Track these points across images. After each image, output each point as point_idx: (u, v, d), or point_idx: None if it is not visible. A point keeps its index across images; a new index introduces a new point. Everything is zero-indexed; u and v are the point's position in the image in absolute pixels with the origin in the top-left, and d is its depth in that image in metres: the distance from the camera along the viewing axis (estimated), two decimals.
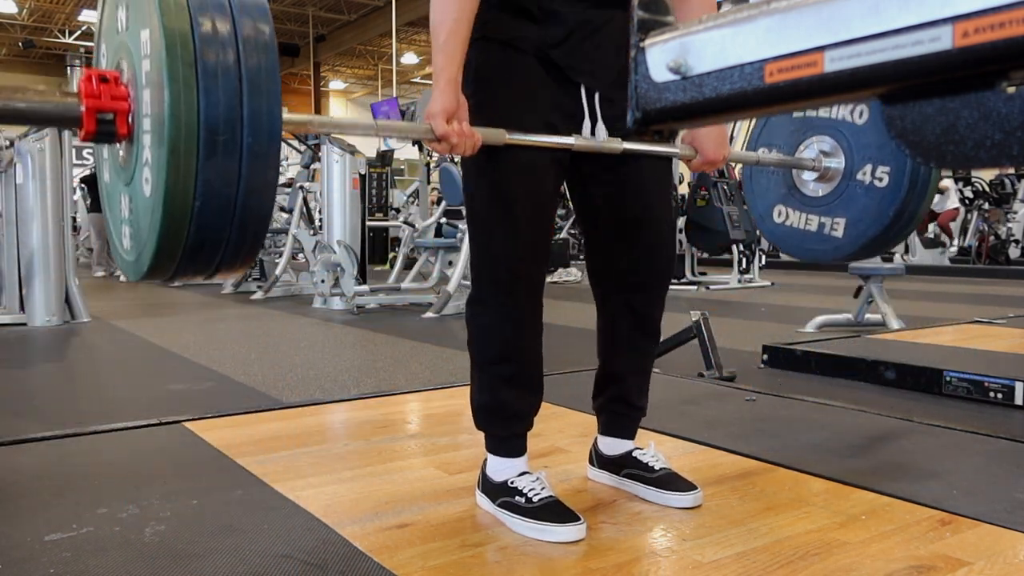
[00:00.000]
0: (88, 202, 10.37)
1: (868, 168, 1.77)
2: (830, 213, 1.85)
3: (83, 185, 11.28)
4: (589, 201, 1.62)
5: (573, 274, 8.83)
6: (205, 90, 0.93)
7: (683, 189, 8.52)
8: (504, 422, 1.57)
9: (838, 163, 1.82)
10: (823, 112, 1.86)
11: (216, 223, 0.98)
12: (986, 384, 2.62)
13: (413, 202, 9.90)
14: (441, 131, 1.36)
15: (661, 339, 3.37)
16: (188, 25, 0.95)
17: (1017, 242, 10.18)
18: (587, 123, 1.53)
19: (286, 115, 1.11)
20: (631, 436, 1.72)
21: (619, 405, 1.71)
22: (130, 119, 1.05)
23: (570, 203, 1.75)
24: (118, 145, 1.13)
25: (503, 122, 1.44)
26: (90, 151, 20.16)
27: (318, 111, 20.01)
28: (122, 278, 9.30)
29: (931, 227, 11.36)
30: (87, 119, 1.03)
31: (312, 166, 7.92)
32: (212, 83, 0.93)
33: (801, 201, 1.91)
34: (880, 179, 1.75)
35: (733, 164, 8.25)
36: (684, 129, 1.59)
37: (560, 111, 1.52)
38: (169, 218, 0.97)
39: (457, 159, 9.46)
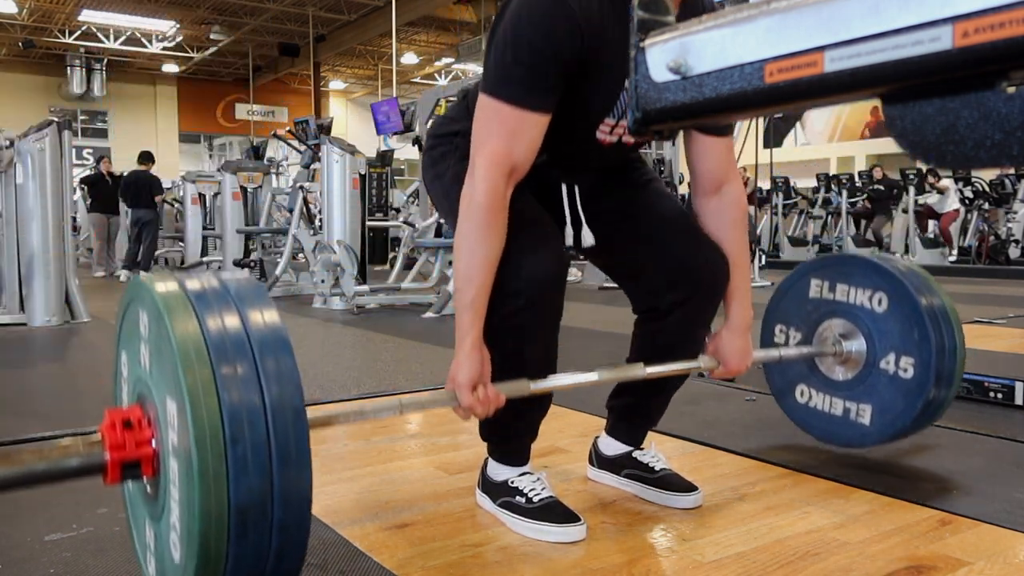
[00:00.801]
0: (88, 202, 10.37)
1: (892, 357, 1.75)
2: (855, 399, 1.83)
3: (83, 185, 11.29)
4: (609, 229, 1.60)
5: (573, 274, 8.83)
6: (235, 479, 0.90)
7: (683, 189, 8.51)
8: (507, 435, 1.55)
9: (859, 347, 1.81)
10: (840, 296, 1.84)
11: (251, 565, 0.95)
12: (986, 384, 2.61)
13: (413, 202, 9.90)
14: (467, 403, 1.32)
15: None
16: (218, 415, 0.90)
17: (1017, 242, 10.18)
18: (569, 230, 1.53)
19: (313, 414, 1.05)
20: (637, 444, 1.72)
21: (637, 417, 1.71)
22: (155, 462, 1.01)
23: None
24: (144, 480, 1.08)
25: None
26: (90, 151, 20.17)
27: (318, 111, 20.01)
28: (122, 278, 9.31)
29: (931, 227, 11.36)
30: (112, 471, 0.99)
31: (312, 166, 7.92)
32: (242, 471, 0.90)
33: (824, 383, 1.90)
34: (905, 370, 1.73)
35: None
36: (684, 128, 1.57)
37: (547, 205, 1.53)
38: (203, 572, 0.93)
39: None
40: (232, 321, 0.97)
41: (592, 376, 1.47)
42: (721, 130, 1.57)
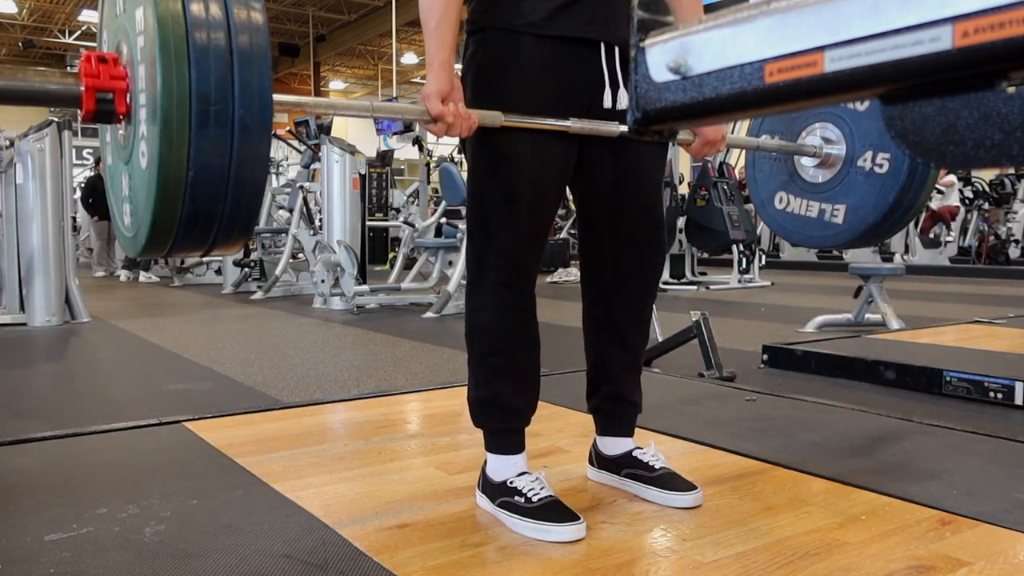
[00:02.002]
0: (89, 202, 10.37)
1: (869, 155, 1.78)
2: (831, 200, 1.86)
3: (83, 187, 11.32)
4: (591, 190, 1.62)
5: (573, 274, 8.83)
6: (196, 62, 0.96)
7: (683, 189, 8.51)
8: (500, 415, 1.57)
9: (839, 149, 1.83)
10: None
11: (209, 194, 1.01)
12: (986, 384, 2.62)
13: (413, 202, 9.90)
14: (436, 111, 1.38)
15: (661, 339, 3.36)
16: (180, 4, 0.98)
17: (1017, 242, 10.18)
18: (608, 93, 1.52)
19: (281, 96, 1.13)
20: (630, 433, 1.72)
21: (615, 403, 1.71)
22: (128, 98, 1.08)
23: (571, 202, 1.78)
24: (119, 126, 1.16)
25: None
26: (90, 151, 20.17)
27: None
28: (122, 278, 9.31)
29: (933, 229, 11.35)
30: (87, 98, 1.06)
31: (312, 166, 7.91)
32: (203, 56, 0.95)
33: (802, 188, 1.92)
34: (880, 165, 1.76)
35: (733, 164, 8.25)
36: (684, 129, 1.58)
37: (570, 98, 1.51)
38: (163, 189, 1.00)
39: (458, 158, 9.44)
40: None
41: (565, 123, 1.48)
42: None
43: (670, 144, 9.49)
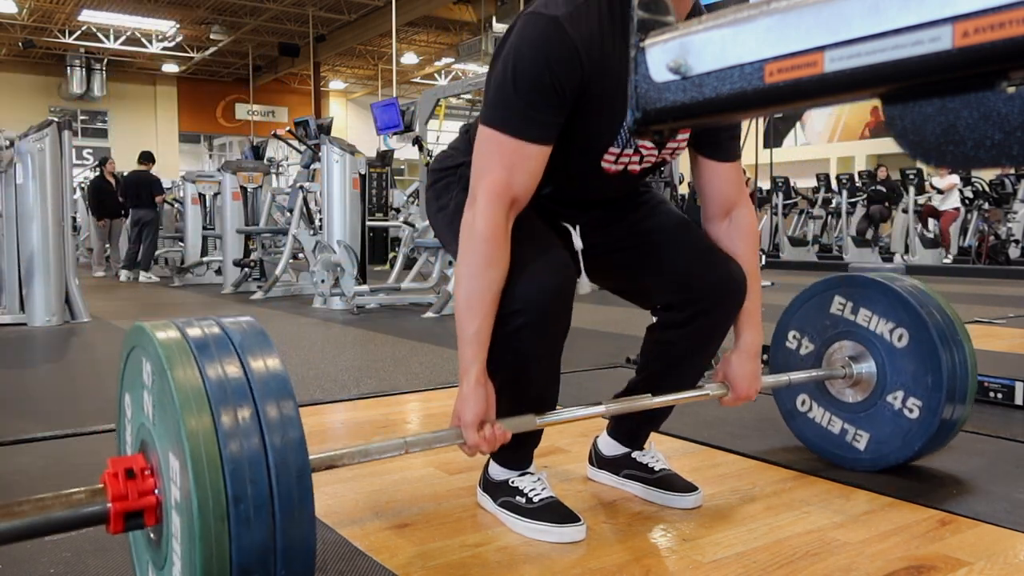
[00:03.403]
0: (90, 204, 10.39)
1: (900, 395, 1.74)
2: (855, 423, 1.82)
3: (84, 188, 11.33)
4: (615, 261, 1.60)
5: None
6: (237, 536, 0.89)
7: (683, 189, 8.51)
8: (511, 449, 1.50)
9: (869, 375, 1.79)
10: (861, 321, 1.81)
11: None
12: (986, 384, 2.61)
13: (413, 202, 9.90)
14: (473, 442, 1.30)
15: None
16: (219, 471, 0.89)
17: (1017, 242, 10.18)
18: (584, 279, 1.50)
19: (314, 456, 1.04)
20: (640, 448, 1.72)
21: (644, 422, 1.70)
22: (159, 510, 1.00)
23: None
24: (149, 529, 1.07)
25: None
26: (90, 151, 20.17)
27: (318, 111, 20.00)
28: (122, 278, 9.31)
29: (932, 225, 11.36)
30: (114, 521, 0.98)
31: (312, 166, 7.92)
32: (243, 499, 0.89)
33: (828, 400, 1.89)
34: (911, 411, 1.73)
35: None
36: (683, 128, 1.57)
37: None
38: None
39: None
40: (233, 370, 0.96)
41: (599, 409, 1.47)
42: (727, 155, 1.56)
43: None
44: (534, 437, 1.56)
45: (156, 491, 1.00)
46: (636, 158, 1.47)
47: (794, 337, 1.97)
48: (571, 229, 1.54)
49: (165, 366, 0.94)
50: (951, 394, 1.68)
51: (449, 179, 1.56)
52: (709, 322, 1.54)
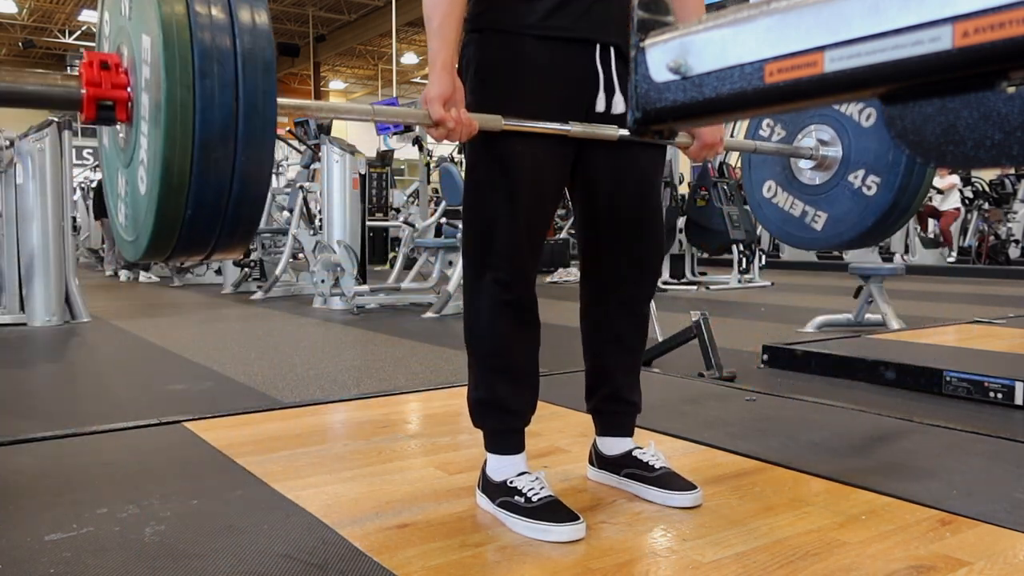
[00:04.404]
0: (91, 205, 10.40)
1: (861, 173, 1.79)
2: (815, 204, 1.88)
3: (87, 190, 11.35)
4: (590, 191, 1.62)
5: (573, 274, 8.83)
6: (201, 78, 0.94)
7: (683, 189, 8.51)
8: (500, 415, 1.57)
9: (834, 155, 1.84)
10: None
11: (213, 199, 1.00)
12: (986, 384, 2.62)
13: (413, 202, 9.90)
14: (437, 116, 1.37)
15: (661, 339, 3.36)
16: (185, 7, 0.96)
17: (1017, 242, 10.17)
18: (601, 97, 1.52)
19: (283, 100, 1.12)
20: (629, 433, 1.72)
21: (614, 403, 1.71)
22: (129, 106, 1.06)
23: (569, 203, 1.79)
24: (119, 127, 1.15)
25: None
26: (90, 151, 20.15)
27: None
28: (122, 277, 9.30)
29: (931, 226, 11.35)
30: (87, 106, 1.04)
31: (312, 166, 7.91)
32: (209, 74, 0.94)
33: (791, 184, 1.94)
34: (869, 188, 1.77)
35: (734, 164, 8.25)
36: (684, 129, 1.58)
37: (570, 101, 1.51)
38: (165, 195, 0.99)
39: (459, 158, 9.41)
40: None
41: (565, 127, 1.48)
42: None
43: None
44: (521, 405, 1.58)
45: (128, 88, 1.06)
46: None
47: (767, 126, 2.02)
48: (602, 50, 1.52)
49: None
50: (909, 170, 1.74)
51: (468, 47, 1.54)
52: (631, 295, 1.67)
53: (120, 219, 1.20)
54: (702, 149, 1.63)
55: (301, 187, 7.17)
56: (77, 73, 1.07)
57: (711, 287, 7.83)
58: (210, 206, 0.99)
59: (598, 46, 1.52)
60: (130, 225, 1.15)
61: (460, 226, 6.08)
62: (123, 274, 9.35)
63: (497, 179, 1.50)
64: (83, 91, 1.04)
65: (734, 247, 7.93)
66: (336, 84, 24.83)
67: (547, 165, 1.52)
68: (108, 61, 1.08)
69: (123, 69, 1.08)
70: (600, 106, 1.53)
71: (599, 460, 1.76)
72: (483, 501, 1.59)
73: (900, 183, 1.74)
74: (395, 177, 13.81)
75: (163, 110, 0.93)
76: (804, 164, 1.90)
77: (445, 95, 1.37)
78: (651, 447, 1.71)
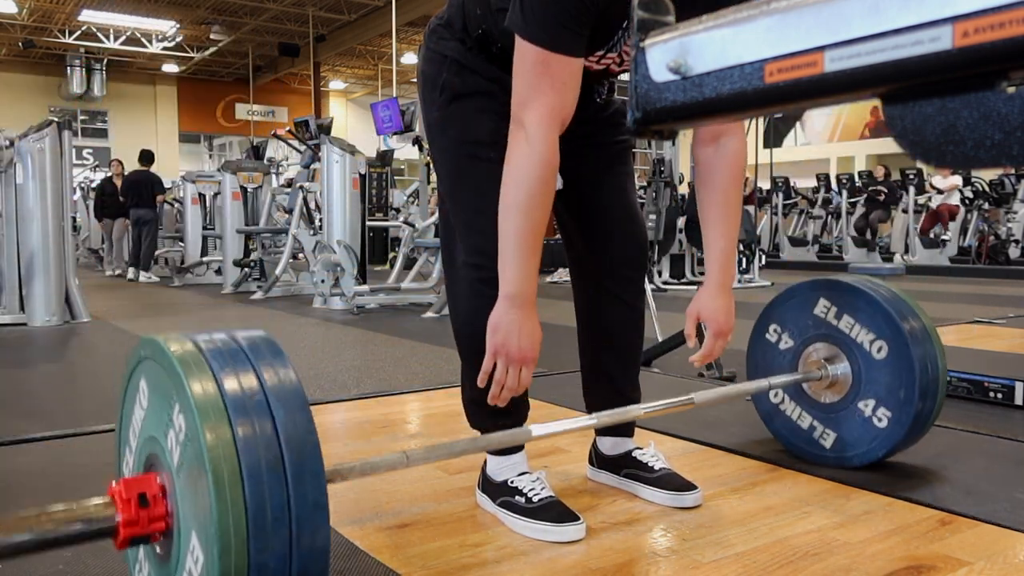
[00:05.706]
0: (92, 205, 10.42)
1: (871, 403, 1.77)
2: (824, 422, 1.85)
3: (89, 189, 11.36)
4: (573, 191, 1.62)
5: (561, 275, 8.84)
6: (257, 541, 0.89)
7: (683, 189, 8.52)
8: (493, 416, 1.55)
9: (845, 379, 1.81)
10: (843, 327, 1.81)
11: None
12: (986, 384, 2.62)
13: (413, 202, 9.90)
14: (498, 375, 1.37)
15: (661, 339, 3.35)
16: (240, 487, 0.89)
17: (1017, 242, 10.17)
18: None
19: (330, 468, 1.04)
20: (630, 433, 1.72)
21: (612, 402, 1.70)
22: (169, 534, 0.99)
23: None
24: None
25: (473, 133, 1.49)
26: (90, 151, 20.16)
27: (318, 111, 19.98)
28: (129, 275, 9.31)
29: (933, 229, 11.34)
30: (121, 544, 0.98)
31: (312, 166, 7.91)
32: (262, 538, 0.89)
33: (802, 398, 1.91)
34: (880, 420, 1.75)
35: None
36: (684, 128, 1.57)
37: None
38: None
39: None
40: (249, 381, 0.95)
41: (590, 420, 1.48)
42: None
43: (670, 144, 9.52)
44: (517, 416, 1.58)
45: (167, 518, 0.98)
46: (618, 59, 1.49)
47: (775, 331, 2.00)
48: None
49: (181, 374, 0.92)
50: (919, 411, 1.73)
51: (435, 72, 1.53)
52: (631, 289, 1.68)
53: None
54: (716, 336, 1.58)
55: (301, 187, 7.17)
56: (107, 499, 0.97)
57: None
58: None
59: None
60: None
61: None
62: (131, 272, 9.35)
63: (471, 174, 1.51)
64: (120, 531, 0.97)
65: None
66: (336, 84, 24.82)
67: None
68: (147, 495, 0.98)
69: (160, 494, 0.99)
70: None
71: (599, 460, 1.76)
72: (483, 501, 1.59)
73: (911, 423, 1.72)
74: (395, 177, 13.81)
75: (216, 563, 0.87)
76: (815, 382, 1.87)
77: (534, 351, 1.37)
78: (651, 447, 1.71)
